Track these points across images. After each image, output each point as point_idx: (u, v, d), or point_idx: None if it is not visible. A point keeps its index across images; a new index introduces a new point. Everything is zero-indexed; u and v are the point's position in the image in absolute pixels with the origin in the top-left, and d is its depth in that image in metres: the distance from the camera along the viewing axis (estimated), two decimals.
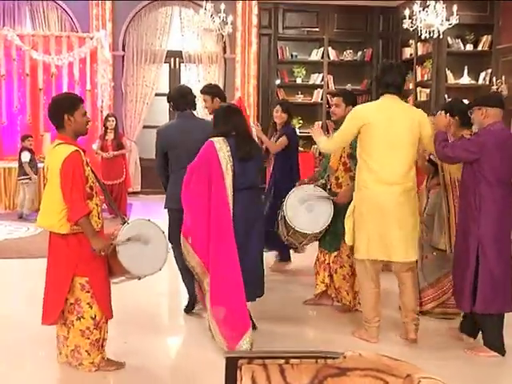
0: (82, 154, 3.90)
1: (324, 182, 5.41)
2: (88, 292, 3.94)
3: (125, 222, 4.03)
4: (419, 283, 5.05)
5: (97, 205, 3.95)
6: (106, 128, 9.77)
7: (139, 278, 4.07)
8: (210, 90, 5.83)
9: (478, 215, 4.31)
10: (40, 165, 10.36)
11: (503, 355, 4.48)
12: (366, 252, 4.62)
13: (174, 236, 4.76)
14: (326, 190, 5.31)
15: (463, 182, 4.46)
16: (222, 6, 10.99)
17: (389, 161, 4.50)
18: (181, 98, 5.12)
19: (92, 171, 3.97)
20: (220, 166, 4.41)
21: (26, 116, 11.51)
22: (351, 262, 5.16)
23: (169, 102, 5.30)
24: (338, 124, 5.21)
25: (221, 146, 4.47)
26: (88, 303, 3.95)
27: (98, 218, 3.96)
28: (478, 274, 4.35)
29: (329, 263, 5.37)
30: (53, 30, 12.05)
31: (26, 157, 9.91)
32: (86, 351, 3.97)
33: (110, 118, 9.81)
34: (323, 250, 5.46)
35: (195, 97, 5.28)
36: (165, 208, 5.21)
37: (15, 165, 10.29)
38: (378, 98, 4.79)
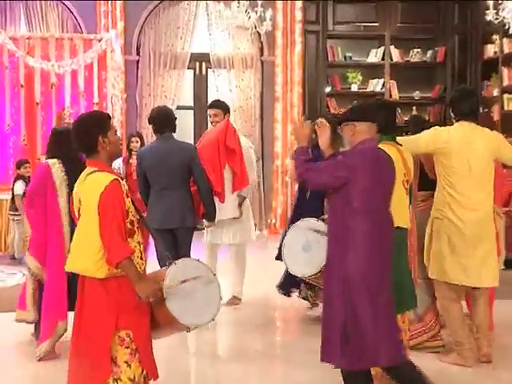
0: (123, 182, 3.98)
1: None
2: (127, 347, 3.97)
3: (171, 263, 4.10)
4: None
5: (139, 243, 4.03)
6: (131, 150, 9.66)
7: (188, 330, 4.13)
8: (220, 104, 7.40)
9: (345, 251, 4.34)
10: None
11: None
12: (450, 276, 5.55)
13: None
14: None
15: (330, 212, 4.54)
16: None
17: (470, 187, 5.46)
18: (161, 121, 6.35)
19: (132, 203, 4.03)
20: (54, 187, 5.77)
21: (21, 136, 11.54)
22: None
23: (149, 124, 6.56)
24: None
25: (56, 168, 5.81)
26: (126, 361, 3.97)
27: (141, 259, 4.02)
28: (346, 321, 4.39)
29: None
30: (52, 32, 12.10)
31: (19, 188, 9.80)
32: None
33: (133, 139, 9.73)
34: None
35: (176, 119, 6.52)
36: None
37: (7, 196, 10.27)
38: (449, 119, 5.88)
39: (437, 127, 5.71)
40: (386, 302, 4.36)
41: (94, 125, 4.03)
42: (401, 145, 5.14)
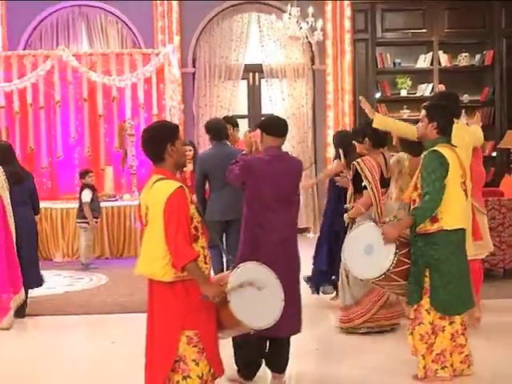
0: (187, 190, 4.01)
1: (393, 218, 5.42)
2: (195, 346, 4.03)
3: (235, 267, 4.19)
4: (346, 301, 6.44)
5: (203, 247, 4.06)
6: None
7: (252, 331, 4.20)
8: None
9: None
10: (103, 204, 10.57)
11: None
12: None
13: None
14: None
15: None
16: (310, 10, 10.99)
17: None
18: (217, 131, 7.20)
19: (197, 209, 4.08)
20: None
21: (85, 148, 11.70)
22: (431, 318, 5.12)
23: (207, 132, 7.43)
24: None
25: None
26: (194, 360, 4.03)
27: (205, 263, 4.06)
28: None
29: (413, 319, 5.29)
30: (112, 47, 12.41)
31: (87, 196, 9.99)
32: None
33: (187, 147, 9.60)
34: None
35: (228, 129, 7.41)
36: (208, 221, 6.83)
37: (73, 205, 10.46)
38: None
39: None
40: None
41: (164, 133, 4.11)
42: (456, 146, 5.22)
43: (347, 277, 6.39)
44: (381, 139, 6.44)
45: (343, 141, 7.33)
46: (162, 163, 4.09)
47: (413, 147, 6.53)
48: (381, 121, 6.32)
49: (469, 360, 5.16)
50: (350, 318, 6.42)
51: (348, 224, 6.41)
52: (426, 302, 5.09)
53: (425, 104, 6.15)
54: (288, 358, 5.20)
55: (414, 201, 5.15)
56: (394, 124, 6.51)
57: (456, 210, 5.04)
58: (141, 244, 4.18)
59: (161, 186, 3.98)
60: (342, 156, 7.20)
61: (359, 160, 6.28)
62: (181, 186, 3.96)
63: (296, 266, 5.13)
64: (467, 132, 6.27)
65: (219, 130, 7.25)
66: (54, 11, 12.69)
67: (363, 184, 6.20)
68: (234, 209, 6.70)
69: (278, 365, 5.21)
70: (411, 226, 5.04)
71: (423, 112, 5.30)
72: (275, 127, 5.24)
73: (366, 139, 6.38)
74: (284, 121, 5.35)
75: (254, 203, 5.08)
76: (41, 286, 7.72)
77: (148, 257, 4.02)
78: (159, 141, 4.08)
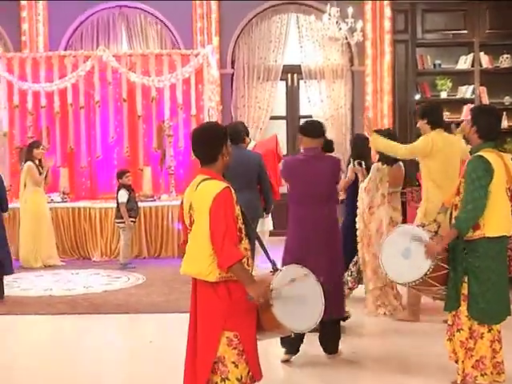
0: (233, 190, 4.00)
1: (432, 222, 5.36)
2: (235, 348, 4.01)
3: (276, 270, 4.20)
4: None
5: (245, 249, 4.04)
6: None
7: (292, 334, 4.24)
8: None
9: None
10: (141, 204, 10.59)
11: None
12: None
13: None
14: (437, 233, 5.23)
15: None
16: (350, 10, 10.95)
17: (450, 182, 5.83)
18: (236, 134, 7.23)
19: (241, 211, 4.08)
20: None
21: (124, 148, 11.74)
22: (470, 324, 5.03)
23: None
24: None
25: None
26: (233, 362, 4.02)
27: (247, 265, 4.02)
28: None
29: (451, 325, 5.21)
30: (152, 48, 12.44)
31: (123, 196, 10.02)
32: None
33: None
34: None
35: (244, 133, 7.88)
36: None
37: (112, 204, 10.51)
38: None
39: (426, 136, 6.47)
40: None
41: (220, 135, 4.15)
42: (504, 151, 5.11)
43: None
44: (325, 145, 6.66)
45: (357, 144, 7.69)
46: (212, 164, 4.09)
47: (387, 157, 6.96)
48: (374, 142, 6.59)
49: (500, 367, 5.04)
50: None
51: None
52: (465, 308, 5.01)
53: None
54: (336, 341, 5.82)
55: (456, 206, 5.03)
56: (386, 147, 6.61)
57: (500, 216, 4.92)
58: (180, 244, 4.15)
59: (208, 186, 3.99)
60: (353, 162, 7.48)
61: None
62: (227, 187, 3.97)
63: (335, 255, 5.74)
64: (452, 144, 6.47)
65: (237, 133, 7.39)
66: (95, 12, 12.82)
67: None
68: (252, 208, 6.76)
69: (327, 346, 5.84)
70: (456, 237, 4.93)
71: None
72: (310, 129, 5.82)
73: None
74: (319, 123, 5.93)
75: (292, 200, 5.78)
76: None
77: (193, 256, 4.02)
78: (217, 141, 4.11)
